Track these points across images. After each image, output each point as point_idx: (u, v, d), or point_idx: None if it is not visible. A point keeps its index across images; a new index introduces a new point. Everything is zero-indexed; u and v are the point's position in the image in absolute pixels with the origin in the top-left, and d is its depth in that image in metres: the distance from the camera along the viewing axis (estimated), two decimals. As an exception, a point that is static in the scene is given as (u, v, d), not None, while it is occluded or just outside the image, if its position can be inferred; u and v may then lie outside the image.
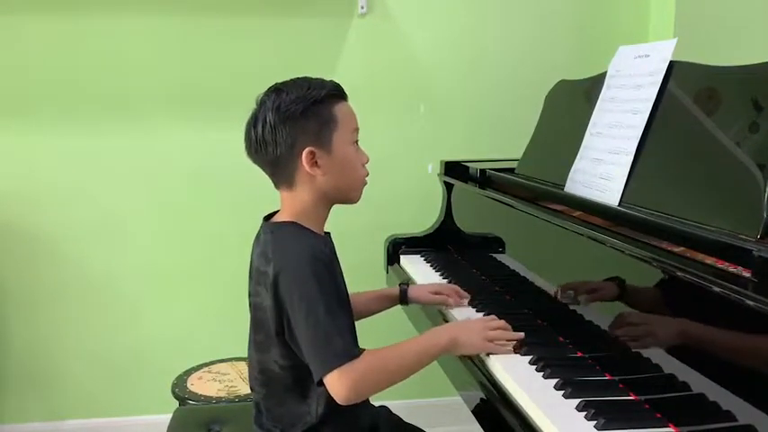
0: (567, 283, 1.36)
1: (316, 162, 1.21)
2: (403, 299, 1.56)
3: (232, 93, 2.26)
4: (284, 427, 1.25)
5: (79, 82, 2.25)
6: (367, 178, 1.30)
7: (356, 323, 1.33)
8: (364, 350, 1.18)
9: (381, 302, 1.56)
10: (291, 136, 1.20)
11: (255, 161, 1.26)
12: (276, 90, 1.23)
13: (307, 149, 1.20)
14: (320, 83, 1.24)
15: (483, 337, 1.25)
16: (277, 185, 1.27)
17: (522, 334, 1.28)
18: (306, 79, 1.25)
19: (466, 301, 1.55)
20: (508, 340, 1.26)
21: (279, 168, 1.23)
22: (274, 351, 1.22)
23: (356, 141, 1.28)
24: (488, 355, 1.25)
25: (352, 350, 1.16)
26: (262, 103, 1.23)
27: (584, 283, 1.31)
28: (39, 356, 2.36)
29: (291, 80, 1.25)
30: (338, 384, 1.14)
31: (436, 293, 1.55)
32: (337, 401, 1.16)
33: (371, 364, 1.16)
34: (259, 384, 1.28)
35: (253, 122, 1.23)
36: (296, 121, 1.20)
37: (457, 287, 1.58)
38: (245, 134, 1.25)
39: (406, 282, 1.60)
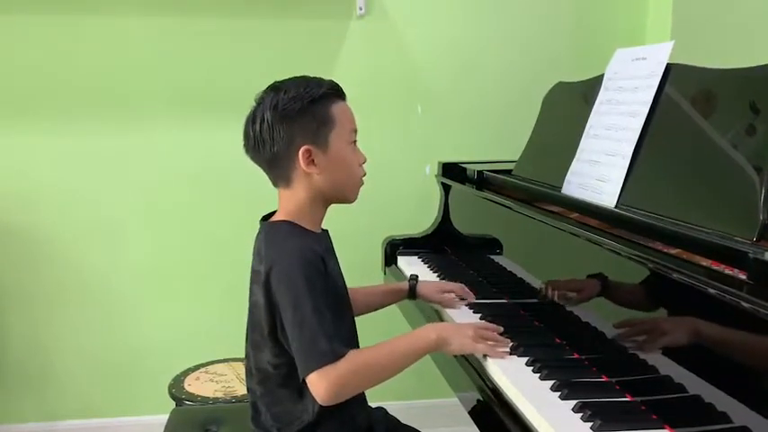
0: (564, 284, 1.36)
1: (312, 160, 1.22)
2: (412, 294, 1.57)
3: (230, 94, 2.26)
4: (281, 426, 1.25)
5: (77, 82, 2.25)
6: (364, 178, 1.31)
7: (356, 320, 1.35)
8: (348, 351, 1.17)
9: (387, 297, 1.57)
10: (288, 134, 1.21)
11: (253, 158, 1.26)
12: (274, 88, 1.23)
13: (303, 148, 1.21)
14: (318, 82, 1.24)
15: (472, 338, 1.25)
16: (275, 183, 1.28)
17: (508, 342, 1.28)
18: (304, 78, 1.26)
19: (468, 300, 1.57)
20: (497, 341, 1.27)
21: (276, 166, 1.24)
22: (267, 350, 1.23)
23: (354, 141, 1.28)
24: (485, 357, 1.25)
25: (336, 350, 1.15)
26: (260, 101, 1.23)
27: (580, 285, 1.32)
28: (36, 357, 2.36)
29: (289, 79, 1.25)
30: (318, 385, 1.15)
31: (444, 292, 1.57)
32: (318, 402, 1.17)
33: (354, 365, 1.16)
34: (256, 383, 1.28)
35: (251, 120, 1.24)
36: (293, 119, 1.20)
37: (463, 285, 1.59)
38: (243, 132, 1.25)
39: (415, 277, 1.60)
